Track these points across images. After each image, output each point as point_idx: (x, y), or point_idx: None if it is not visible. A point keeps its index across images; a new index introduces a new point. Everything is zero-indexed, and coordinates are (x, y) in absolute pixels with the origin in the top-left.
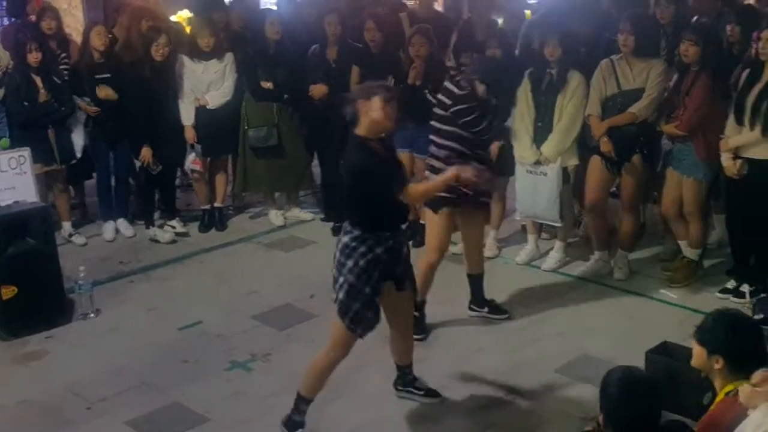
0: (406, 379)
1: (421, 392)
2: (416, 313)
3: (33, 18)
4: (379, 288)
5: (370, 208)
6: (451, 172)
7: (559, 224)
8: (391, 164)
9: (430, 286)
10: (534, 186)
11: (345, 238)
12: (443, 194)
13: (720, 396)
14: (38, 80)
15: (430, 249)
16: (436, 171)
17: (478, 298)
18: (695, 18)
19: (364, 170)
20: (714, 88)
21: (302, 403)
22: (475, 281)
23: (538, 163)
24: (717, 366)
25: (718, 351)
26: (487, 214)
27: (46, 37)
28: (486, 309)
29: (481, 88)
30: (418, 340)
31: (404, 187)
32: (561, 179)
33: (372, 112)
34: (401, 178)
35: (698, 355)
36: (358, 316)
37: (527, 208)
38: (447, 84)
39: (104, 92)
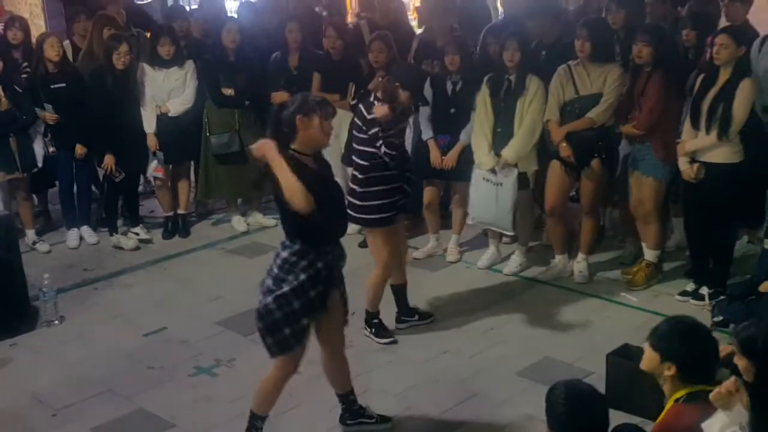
0: (352, 409)
1: (373, 420)
2: (375, 320)
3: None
4: (306, 309)
5: (309, 223)
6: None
7: (511, 233)
8: (324, 179)
9: (380, 298)
10: (488, 194)
11: (284, 253)
12: (383, 214)
13: (670, 402)
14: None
15: (380, 265)
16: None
17: (404, 309)
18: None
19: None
20: (668, 86)
21: (257, 420)
22: (400, 292)
23: (493, 171)
24: (669, 372)
25: (671, 358)
26: (409, 224)
27: (9, 47)
28: (416, 317)
29: (404, 95)
30: (388, 343)
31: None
32: (516, 189)
33: (310, 130)
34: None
35: (650, 359)
36: (275, 325)
37: (480, 215)
38: (360, 105)
39: (48, 117)
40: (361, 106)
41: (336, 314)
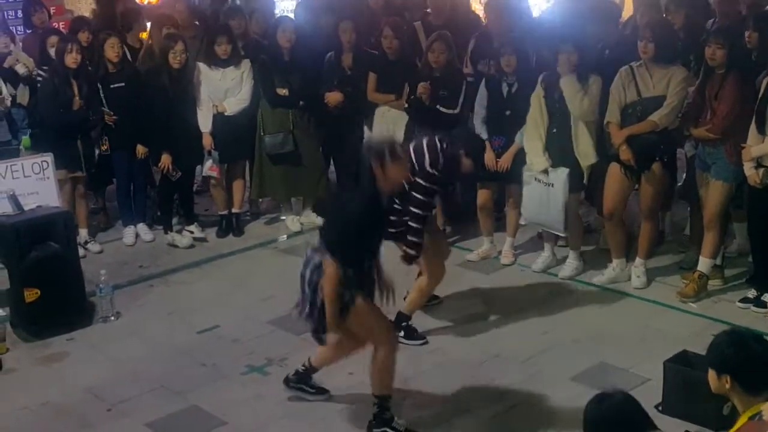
0: (303, 377)
1: (312, 390)
2: (404, 324)
3: (59, 26)
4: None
5: (357, 248)
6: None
7: (563, 234)
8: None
9: (419, 306)
10: (540, 195)
11: (320, 259)
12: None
13: (743, 419)
14: (75, 86)
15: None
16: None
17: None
18: (711, 21)
19: (369, 220)
20: (743, 90)
21: (386, 400)
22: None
23: (545, 172)
24: (728, 386)
25: (725, 370)
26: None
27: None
28: (401, 333)
29: (467, 163)
30: (422, 344)
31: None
32: (567, 190)
33: (390, 174)
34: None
35: (711, 378)
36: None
37: (533, 215)
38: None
39: (108, 117)
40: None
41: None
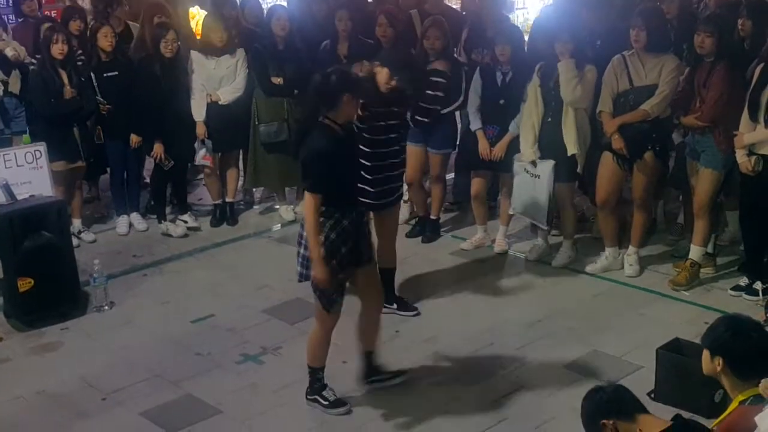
0: (372, 366)
1: (388, 375)
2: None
3: (52, 14)
4: (345, 261)
5: (335, 185)
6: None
7: (545, 227)
8: (345, 145)
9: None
10: (528, 186)
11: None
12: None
13: (734, 404)
14: (64, 76)
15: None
16: None
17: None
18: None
19: (328, 151)
20: (732, 78)
21: (317, 372)
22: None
23: (533, 163)
24: (719, 368)
25: (718, 352)
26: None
27: (70, 37)
28: (395, 305)
29: (383, 73)
30: (414, 315)
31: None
32: (552, 182)
33: (350, 107)
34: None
35: (705, 358)
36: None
37: (520, 205)
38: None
39: (102, 107)
40: None
41: (371, 269)
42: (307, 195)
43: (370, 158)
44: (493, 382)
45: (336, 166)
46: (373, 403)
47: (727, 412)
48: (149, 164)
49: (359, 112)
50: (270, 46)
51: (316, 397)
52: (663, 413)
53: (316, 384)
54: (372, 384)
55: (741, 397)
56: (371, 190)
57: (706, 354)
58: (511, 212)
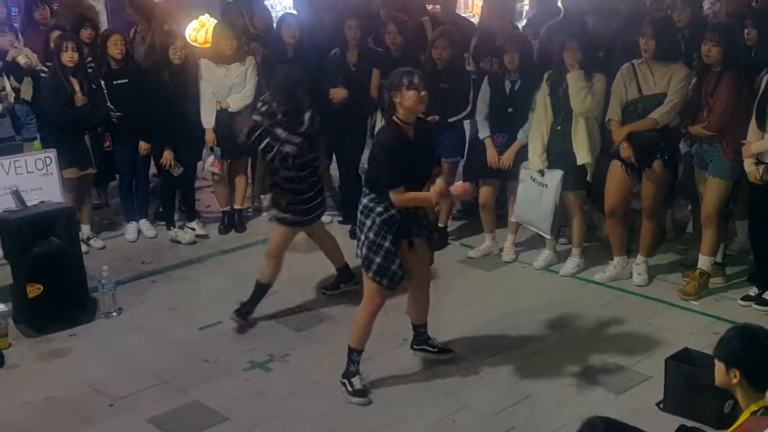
0: (420, 338)
1: (435, 349)
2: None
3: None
4: (396, 243)
5: (387, 177)
6: (438, 187)
7: (548, 237)
8: (416, 152)
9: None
10: (533, 194)
11: (364, 200)
12: None
13: (745, 414)
14: (75, 83)
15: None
16: None
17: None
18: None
19: (387, 147)
20: (739, 87)
21: (354, 354)
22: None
23: (541, 172)
24: (735, 380)
25: (734, 364)
26: None
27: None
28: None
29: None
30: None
31: (399, 184)
32: (560, 192)
33: (405, 101)
34: (409, 172)
35: (718, 371)
36: (381, 269)
37: (523, 213)
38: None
39: (112, 114)
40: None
41: (422, 251)
42: (392, 194)
43: None
44: (500, 391)
45: (385, 159)
46: (379, 410)
47: (738, 423)
48: (152, 170)
49: None
50: (280, 53)
51: (345, 381)
52: (672, 424)
53: (352, 367)
54: (422, 353)
55: (752, 408)
56: None
57: (720, 366)
58: (513, 220)
